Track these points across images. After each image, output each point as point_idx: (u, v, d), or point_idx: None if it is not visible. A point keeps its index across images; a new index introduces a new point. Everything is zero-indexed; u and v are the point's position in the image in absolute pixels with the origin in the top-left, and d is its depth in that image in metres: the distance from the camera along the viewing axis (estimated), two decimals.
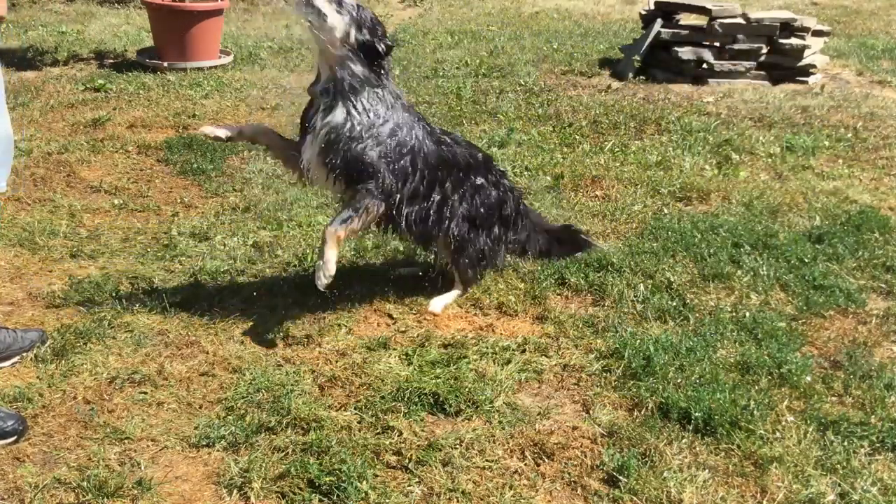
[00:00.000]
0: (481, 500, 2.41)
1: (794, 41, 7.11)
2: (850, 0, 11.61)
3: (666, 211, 4.45)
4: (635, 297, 3.51)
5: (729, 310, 3.43)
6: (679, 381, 2.92)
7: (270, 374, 2.97)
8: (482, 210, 3.44)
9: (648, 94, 6.80)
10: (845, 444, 2.63)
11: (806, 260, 3.85)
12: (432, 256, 3.70)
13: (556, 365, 3.08)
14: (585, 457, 2.58)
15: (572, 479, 2.50)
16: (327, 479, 2.43)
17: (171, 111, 6.04)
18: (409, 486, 2.45)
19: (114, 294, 3.49)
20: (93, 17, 9.73)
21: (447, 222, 3.37)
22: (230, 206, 4.48)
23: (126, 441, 2.63)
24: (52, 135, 5.49)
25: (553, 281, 3.66)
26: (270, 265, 3.80)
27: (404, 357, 3.09)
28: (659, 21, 7.36)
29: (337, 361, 3.08)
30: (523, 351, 3.15)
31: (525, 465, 2.56)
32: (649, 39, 7.34)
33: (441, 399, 2.81)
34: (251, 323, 3.32)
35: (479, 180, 3.46)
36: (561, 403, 2.87)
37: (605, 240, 4.11)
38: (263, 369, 3.00)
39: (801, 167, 5.19)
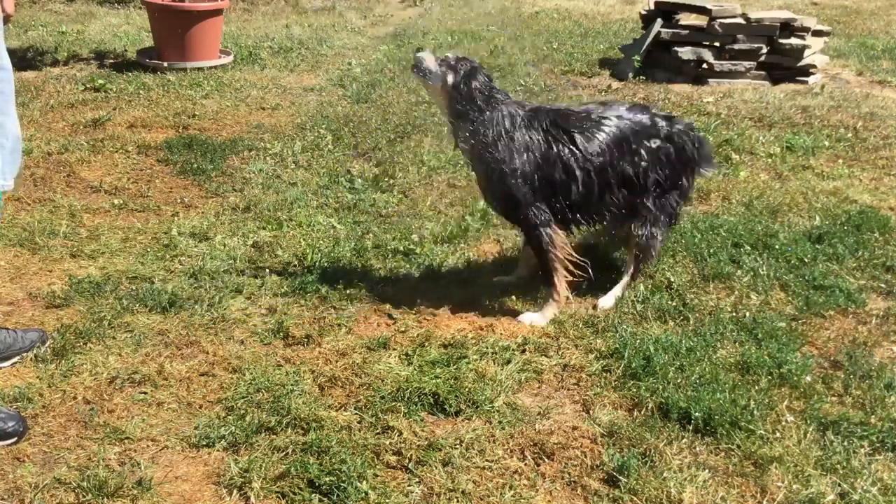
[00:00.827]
0: (481, 500, 2.41)
1: (794, 41, 7.11)
2: (850, 0, 11.61)
3: None
4: (635, 297, 3.51)
5: (729, 310, 3.43)
6: (679, 381, 2.92)
7: (270, 374, 2.97)
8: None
9: (648, 94, 6.80)
10: (845, 444, 2.63)
11: (806, 260, 3.85)
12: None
13: (556, 365, 3.08)
14: (585, 457, 2.58)
15: (572, 479, 2.50)
16: (327, 479, 2.43)
17: (171, 111, 6.04)
18: (409, 486, 2.45)
19: (114, 294, 3.49)
20: (93, 17, 9.73)
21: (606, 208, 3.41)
22: (230, 206, 4.48)
23: (126, 441, 2.63)
24: (52, 135, 5.49)
25: None
26: (270, 265, 3.80)
27: (404, 357, 3.09)
28: (659, 21, 7.36)
29: (337, 361, 3.08)
30: (523, 351, 3.15)
31: (525, 465, 2.56)
32: (649, 39, 7.34)
33: (441, 399, 2.81)
34: (251, 323, 3.32)
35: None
36: (561, 403, 2.87)
37: (605, 239, 4.12)
38: (263, 369, 3.00)
39: (801, 167, 5.19)
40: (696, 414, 2.71)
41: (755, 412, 2.74)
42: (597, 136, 3.33)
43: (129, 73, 7.01)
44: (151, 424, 2.71)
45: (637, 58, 7.32)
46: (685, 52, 7.19)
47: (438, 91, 3.42)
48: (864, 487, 2.44)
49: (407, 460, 2.54)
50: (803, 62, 7.19)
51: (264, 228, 4.19)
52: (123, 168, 5.01)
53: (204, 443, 2.62)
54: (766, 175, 5.06)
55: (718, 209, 4.50)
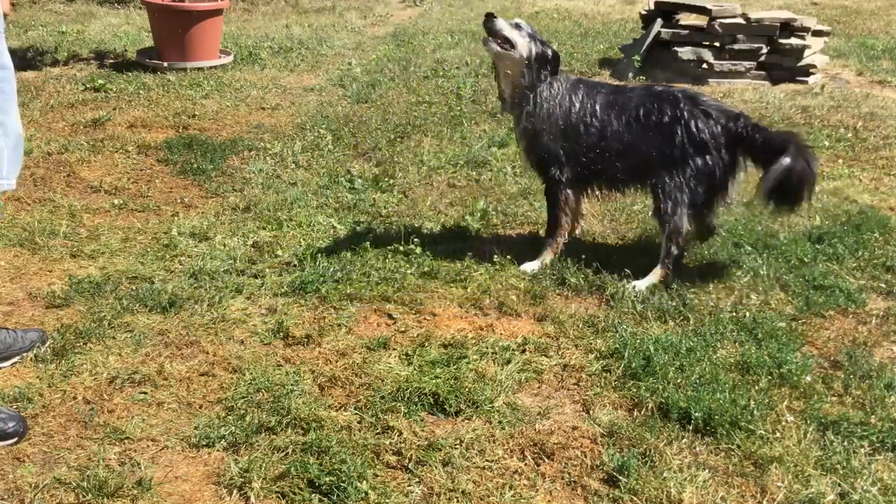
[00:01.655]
0: (481, 500, 2.41)
1: (794, 41, 7.11)
2: (850, 0, 11.61)
3: None
4: (635, 297, 3.51)
5: (729, 310, 3.44)
6: (679, 381, 2.92)
7: (270, 374, 2.97)
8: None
9: None
10: (845, 444, 2.63)
11: (806, 260, 3.85)
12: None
13: (556, 365, 3.08)
14: (585, 457, 2.58)
15: (572, 479, 2.50)
16: (327, 479, 2.43)
17: (171, 111, 6.04)
18: (409, 486, 2.45)
19: (114, 294, 3.49)
20: (93, 17, 9.73)
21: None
22: (230, 206, 4.48)
23: (126, 441, 2.63)
24: (52, 135, 5.49)
25: (553, 281, 3.67)
26: (270, 265, 3.80)
27: (404, 357, 3.10)
28: (659, 21, 7.36)
29: (337, 361, 3.08)
30: (523, 351, 3.15)
31: (525, 465, 2.56)
32: (649, 39, 7.34)
33: (441, 399, 2.81)
34: (251, 323, 3.33)
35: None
36: (561, 403, 2.87)
37: (605, 240, 4.12)
38: (263, 369, 3.00)
39: None
40: (696, 414, 2.71)
41: (755, 412, 2.74)
42: (623, 107, 3.64)
43: (129, 73, 7.01)
44: (151, 424, 2.71)
45: (637, 58, 7.32)
46: (685, 52, 7.19)
47: (515, 62, 3.56)
48: (864, 487, 2.44)
49: (407, 460, 2.54)
50: (803, 62, 7.18)
51: (264, 228, 4.19)
52: (123, 168, 5.01)
53: (204, 443, 2.62)
54: None
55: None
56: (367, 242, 3.96)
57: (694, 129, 3.50)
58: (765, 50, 7.17)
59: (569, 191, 3.75)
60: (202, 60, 7.25)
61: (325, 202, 4.55)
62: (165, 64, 7.13)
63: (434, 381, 2.90)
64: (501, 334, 3.28)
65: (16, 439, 2.60)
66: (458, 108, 6.26)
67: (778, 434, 2.67)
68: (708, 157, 3.52)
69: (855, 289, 3.62)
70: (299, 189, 4.69)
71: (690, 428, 2.70)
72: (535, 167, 3.83)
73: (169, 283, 3.59)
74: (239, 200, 4.55)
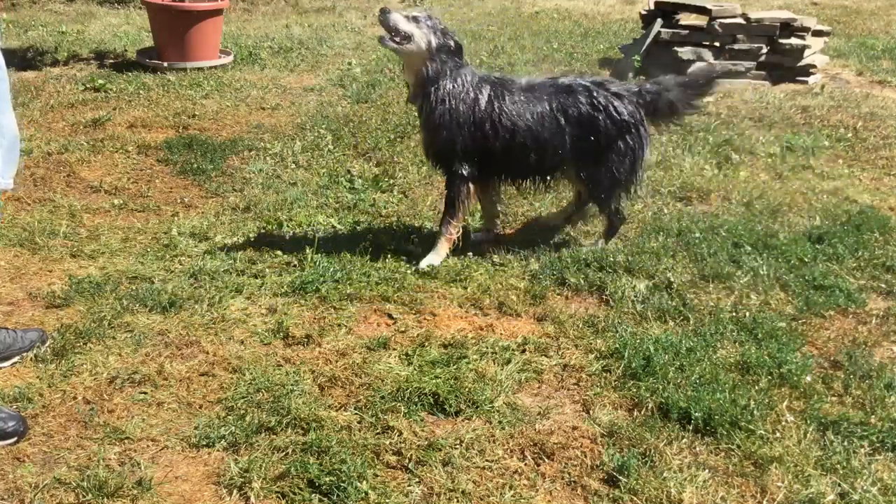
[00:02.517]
0: (481, 500, 2.41)
1: (794, 41, 7.11)
2: (850, 0, 11.61)
3: (666, 211, 4.45)
4: (635, 297, 3.51)
5: (729, 310, 3.43)
6: (679, 381, 2.92)
7: (270, 374, 2.97)
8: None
9: None
10: (845, 444, 2.63)
11: (806, 260, 3.85)
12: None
13: (556, 365, 3.08)
14: (585, 457, 2.58)
15: (572, 479, 2.50)
16: (327, 479, 2.43)
17: (171, 111, 6.04)
18: (409, 486, 2.45)
19: (114, 294, 3.49)
20: (93, 17, 9.73)
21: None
22: (230, 206, 4.48)
23: (126, 441, 2.63)
24: (52, 135, 5.49)
25: (553, 281, 3.67)
26: (270, 265, 3.80)
27: (404, 357, 3.10)
28: (659, 21, 7.36)
29: (337, 361, 3.08)
30: (523, 351, 3.15)
31: (525, 465, 2.56)
32: (649, 39, 7.33)
33: (441, 399, 2.81)
34: (251, 323, 3.32)
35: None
36: (561, 403, 2.87)
37: (605, 240, 4.12)
38: (263, 369, 3.00)
39: (801, 167, 5.19)
40: (696, 414, 2.71)
41: (755, 412, 2.74)
42: (531, 100, 3.65)
43: (129, 73, 7.01)
44: (151, 424, 2.71)
45: (637, 58, 7.32)
46: (685, 52, 7.18)
47: (415, 55, 3.47)
48: (864, 487, 2.44)
49: (407, 460, 2.54)
50: (803, 62, 7.18)
51: (264, 228, 4.19)
52: (123, 168, 5.01)
53: (204, 443, 2.62)
54: (766, 175, 5.06)
55: (718, 209, 4.50)
56: (367, 242, 3.96)
57: (615, 114, 3.61)
58: (765, 50, 7.17)
59: (470, 184, 3.72)
60: (202, 60, 7.25)
61: (325, 202, 4.55)
62: (165, 64, 7.12)
63: (434, 381, 2.90)
64: (501, 334, 3.28)
65: (15, 439, 2.60)
66: None
67: (778, 434, 2.67)
68: (628, 136, 3.65)
69: (855, 289, 3.62)
70: (299, 189, 4.69)
71: (690, 428, 2.70)
72: (436, 160, 3.77)
73: (169, 283, 3.59)
74: (239, 200, 4.55)
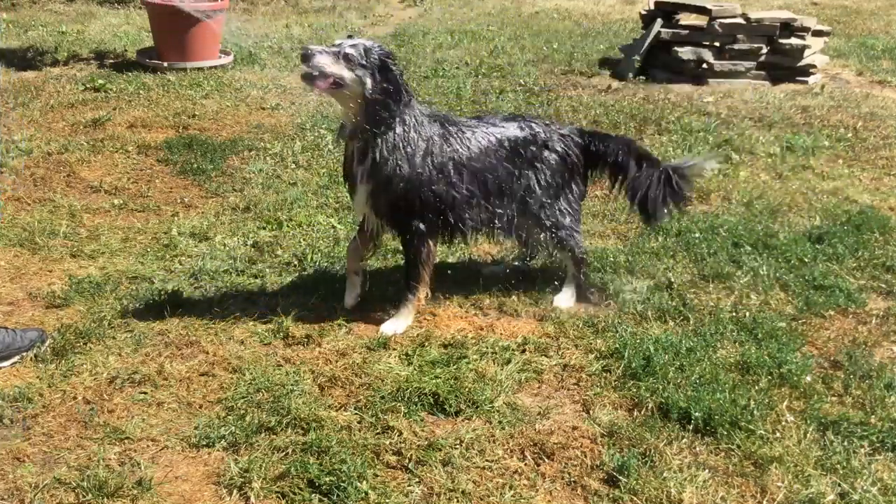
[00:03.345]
0: (481, 500, 2.41)
1: (794, 41, 7.11)
2: (850, 0, 11.61)
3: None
4: (635, 297, 3.50)
5: (729, 310, 3.43)
6: (679, 381, 2.92)
7: (270, 374, 2.97)
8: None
9: (648, 94, 6.80)
10: (845, 444, 2.63)
11: (806, 260, 3.85)
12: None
13: (556, 365, 3.08)
14: (585, 457, 2.58)
15: (572, 479, 2.50)
16: (327, 479, 2.43)
17: (171, 111, 6.03)
18: (409, 486, 2.45)
19: (114, 294, 3.49)
20: (93, 17, 9.73)
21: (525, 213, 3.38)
22: (230, 206, 4.48)
23: (126, 441, 2.63)
24: (52, 135, 5.49)
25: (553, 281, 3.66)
26: (270, 265, 3.80)
27: (404, 357, 3.09)
28: (659, 21, 7.36)
29: (337, 361, 3.08)
30: (523, 351, 3.15)
31: (525, 465, 2.56)
32: (649, 39, 7.34)
33: (441, 399, 2.81)
34: (251, 323, 3.32)
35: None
36: (561, 403, 2.87)
37: (605, 240, 4.12)
38: (263, 369, 3.00)
39: (801, 167, 5.19)
40: (696, 414, 2.71)
41: (755, 412, 2.74)
42: (479, 143, 3.28)
43: (129, 73, 7.01)
44: (151, 424, 2.71)
45: (637, 58, 7.32)
46: (685, 52, 7.19)
47: (349, 99, 3.05)
48: (864, 487, 2.44)
49: (407, 460, 2.54)
50: (803, 62, 7.19)
51: (264, 228, 4.19)
52: (123, 168, 5.01)
53: (204, 443, 2.62)
54: (766, 175, 5.06)
55: (718, 209, 4.50)
56: None
57: (563, 153, 3.40)
58: (765, 50, 7.17)
59: (431, 242, 3.30)
60: (202, 60, 7.25)
61: (325, 202, 4.55)
62: (165, 64, 7.12)
63: (434, 381, 2.90)
64: (501, 334, 3.28)
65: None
66: (458, 107, 6.26)
67: (778, 434, 2.67)
68: (577, 175, 3.46)
69: (855, 289, 3.62)
70: (299, 189, 4.69)
71: (690, 428, 2.69)
72: (390, 218, 3.27)
73: (169, 283, 3.59)
74: (239, 200, 4.55)
